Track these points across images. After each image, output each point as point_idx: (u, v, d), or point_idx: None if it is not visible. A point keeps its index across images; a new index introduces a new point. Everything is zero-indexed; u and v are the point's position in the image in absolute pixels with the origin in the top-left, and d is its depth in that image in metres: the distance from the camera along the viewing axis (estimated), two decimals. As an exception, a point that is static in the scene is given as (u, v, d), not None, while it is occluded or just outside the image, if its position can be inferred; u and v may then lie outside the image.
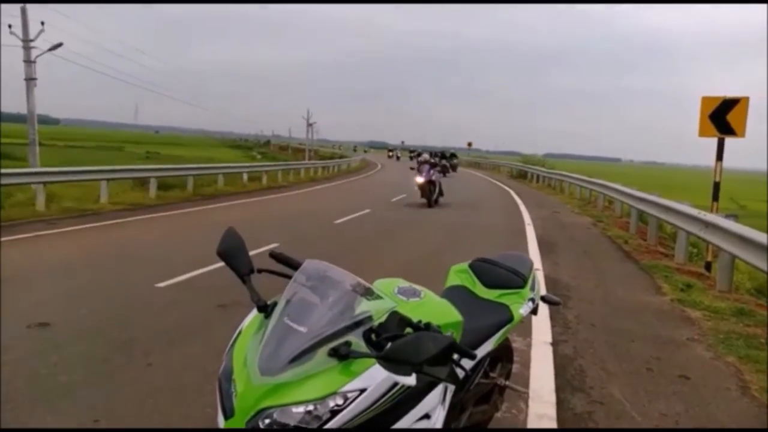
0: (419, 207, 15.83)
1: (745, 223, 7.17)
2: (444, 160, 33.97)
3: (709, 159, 8.98)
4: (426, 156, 18.17)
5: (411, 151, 64.94)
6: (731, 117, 8.74)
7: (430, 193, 16.06)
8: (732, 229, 6.59)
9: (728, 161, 8.91)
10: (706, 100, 8.91)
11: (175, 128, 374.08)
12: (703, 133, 8.97)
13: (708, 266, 8.56)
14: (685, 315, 5.92)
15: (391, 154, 77.69)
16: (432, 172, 16.10)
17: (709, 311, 6.02)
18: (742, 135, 8.79)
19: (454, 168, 39.40)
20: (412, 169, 18.43)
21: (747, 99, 8.78)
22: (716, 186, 8.90)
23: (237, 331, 1.92)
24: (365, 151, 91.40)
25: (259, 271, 2.01)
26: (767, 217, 16.95)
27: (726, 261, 7.06)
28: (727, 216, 7.24)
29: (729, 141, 8.87)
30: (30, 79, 15.93)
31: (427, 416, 1.95)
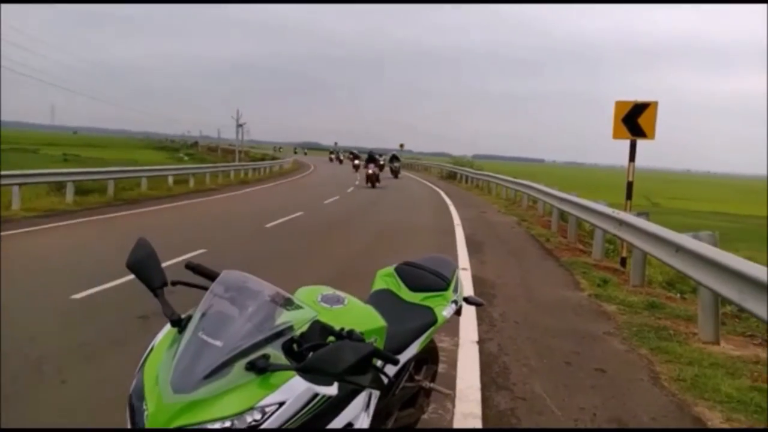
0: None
1: (657, 220, 7.62)
2: (373, 164, 27.46)
3: (625, 159, 9.47)
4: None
5: (351, 153, 57.50)
6: (642, 120, 9.25)
7: None
8: (642, 226, 6.96)
9: (645, 161, 9.40)
10: (619, 105, 9.38)
11: (95, 129, 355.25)
12: (616, 135, 9.42)
13: (623, 262, 9.02)
14: (601, 309, 6.23)
15: (332, 156, 68.93)
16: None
17: (623, 305, 6.35)
18: (652, 137, 9.33)
19: (395, 173, 34.77)
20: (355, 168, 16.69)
21: (656, 103, 9.34)
22: (629, 185, 9.40)
23: (149, 347, 1.84)
24: (305, 153, 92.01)
25: (173, 283, 1.93)
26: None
27: (638, 256, 7.45)
28: (639, 214, 7.64)
29: (648, 143, 9.40)
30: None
31: (350, 424, 1.93)
